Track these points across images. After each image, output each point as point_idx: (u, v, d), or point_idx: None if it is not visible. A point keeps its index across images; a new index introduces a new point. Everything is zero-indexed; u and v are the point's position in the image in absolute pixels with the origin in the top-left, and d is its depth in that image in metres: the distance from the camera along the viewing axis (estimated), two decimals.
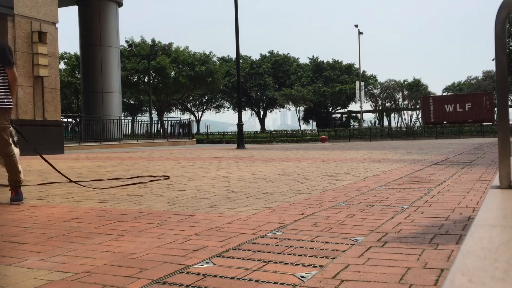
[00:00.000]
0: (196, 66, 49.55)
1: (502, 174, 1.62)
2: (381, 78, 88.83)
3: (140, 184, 5.69)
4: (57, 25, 15.56)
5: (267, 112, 69.99)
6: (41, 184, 5.89)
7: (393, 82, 61.54)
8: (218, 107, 69.26)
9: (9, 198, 4.37)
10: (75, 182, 5.73)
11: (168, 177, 6.37)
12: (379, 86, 62.47)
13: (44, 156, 5.51)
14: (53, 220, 3.40)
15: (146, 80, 48.61)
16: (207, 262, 2.21)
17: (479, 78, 61.84)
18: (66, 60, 50.03)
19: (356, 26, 50.23)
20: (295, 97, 60.45)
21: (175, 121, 29.71)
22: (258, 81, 63.59)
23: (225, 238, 2.70)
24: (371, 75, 65.22)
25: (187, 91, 54.34)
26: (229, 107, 69.25)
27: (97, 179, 6.36)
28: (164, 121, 32.53)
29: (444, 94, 64.57)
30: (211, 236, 2.75)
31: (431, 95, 56.46)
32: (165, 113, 55.15)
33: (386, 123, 63.47)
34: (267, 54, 67.92)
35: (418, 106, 61.73)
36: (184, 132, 28.90)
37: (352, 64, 64.40)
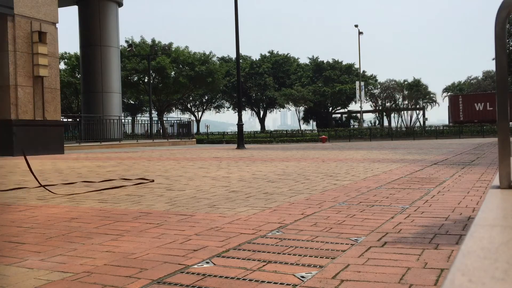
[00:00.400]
0: (196, 66, 49.56)
1: (502, 174, 1.62)
2: (381, 78, 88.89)
3: (123, 187, 5.69)
4: (57, 25, 15.56)
5: (267, 112, 70.01)
6: (41, 186, 5.89)
7: (393, 82, 61.55)
8: (218, 107, 69.27)
9: None
10: (43, 186, 5.32)
11: (153, 181, 5.93)
12: (379, 86, 62.49)
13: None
14: (53, 220, 3.40)
15: (146, 80, 48.62)
16: (207, 262, 2.21)
17: (479, 78, 61.87)
18: (66, 60, 50.03)
19: (356, 26, 50.24)
20: (295, 97, 60.46)
21: (175, 121, 29.71)
22: (258, 81, 63.59)
23: (225, 238, 2.70)
24: (371, 75, 65.23)
25: (187, 91, 54.34)
26: (229, 107, 69.26)
27: (68, 182, 6.36)
28: (164, 121, 32.53)
29: (472, 93, 64.57)
30: (211, 236, 2.75)
31: (459, 93, 56.15)
32: (165, 113, 55.16)
33: (386, 123, 63.50)
34: (267, 54, 67.93)
35: (418, 106, 61.76)
36: (184, 132, 28.90)
37: (352, 64, 64.41)
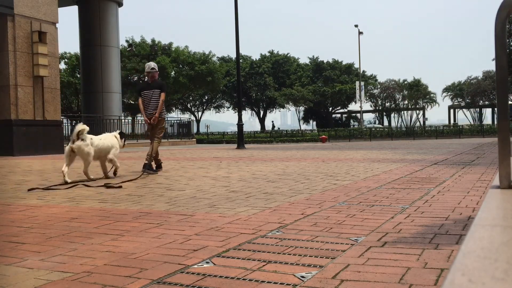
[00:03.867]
0: (196, 65, 49.56)
1: (502, 174, 1.62)
2: (381, 78, 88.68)
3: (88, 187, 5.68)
4: (57, 25, 15.55)
5: (267, 112, 69.96)
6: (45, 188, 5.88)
7: (393, 82, 61.54)
8: (218, 107, 69.22)
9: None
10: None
11: (120, 187, 5.46)
12: (379, 86, 62.48)
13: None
14: (53, 220, 3.40)
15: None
16: (207, 262, 2.21)
17: (479, 78, 61.81)
18: (66, 60, 49.99)
19: (356, 26, 50.18)
20: (295, 97, 60.43)
21: (175, 121, 29.72)
22: (258, 81, 63.56)
23: (225, 238, 2.70)
24: (371, 75, 65.20)
25: (187, 91, 54.32)
26: (229, 107, 69.22)
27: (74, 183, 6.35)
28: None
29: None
30: (211, 236, 2.75)
31: None
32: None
33: (386, 123, 63.51)
34: (267, 54, 67.89)
35: (418, 106, 61.77)
36: (184, 132, 28.90)
37: (352, 64, 64.37)
